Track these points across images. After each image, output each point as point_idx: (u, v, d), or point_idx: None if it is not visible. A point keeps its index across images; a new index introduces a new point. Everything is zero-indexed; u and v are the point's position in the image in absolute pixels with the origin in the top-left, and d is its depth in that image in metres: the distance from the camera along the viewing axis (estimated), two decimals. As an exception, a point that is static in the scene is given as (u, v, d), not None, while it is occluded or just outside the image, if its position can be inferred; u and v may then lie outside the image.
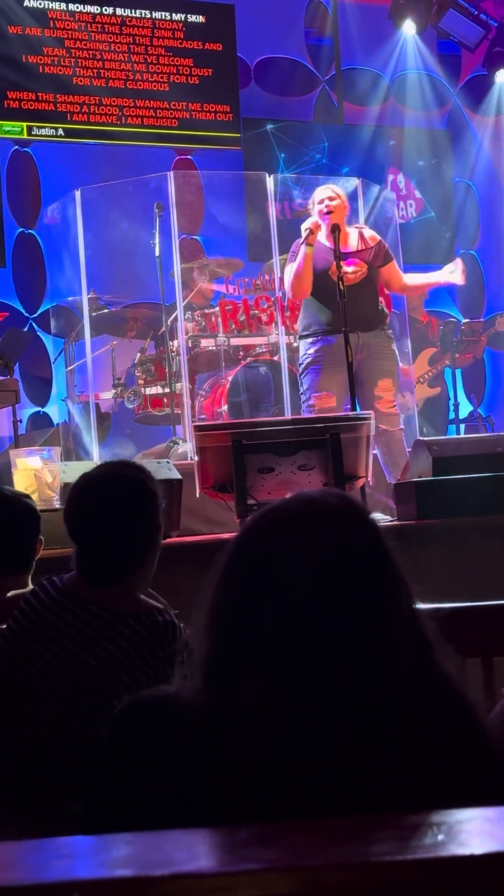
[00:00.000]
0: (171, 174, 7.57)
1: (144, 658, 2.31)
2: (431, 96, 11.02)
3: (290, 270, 6.04)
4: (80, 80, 9.15)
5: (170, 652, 2.31)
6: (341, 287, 5.69)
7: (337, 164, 10.17)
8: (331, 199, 6.03)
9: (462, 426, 9.68)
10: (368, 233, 6.34)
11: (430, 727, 1.26)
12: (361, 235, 6.24)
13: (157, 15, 9.54)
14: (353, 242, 6.15)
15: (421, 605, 1.37)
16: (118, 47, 9.33)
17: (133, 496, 2.49)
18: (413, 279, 6.59)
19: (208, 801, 1.23)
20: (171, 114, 9.50)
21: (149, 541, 2.52)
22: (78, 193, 7.67)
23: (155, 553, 2.55)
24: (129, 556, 2.48)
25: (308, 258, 5.89)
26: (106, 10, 9.31)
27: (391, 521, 5.00)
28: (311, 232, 5.90)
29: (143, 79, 9.42)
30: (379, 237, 6.35)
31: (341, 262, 5.82)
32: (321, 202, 6.04)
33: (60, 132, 9.05)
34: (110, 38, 9.29)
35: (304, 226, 6.01)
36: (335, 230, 5.81)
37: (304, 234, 5.95)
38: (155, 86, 9.46)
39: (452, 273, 6.40)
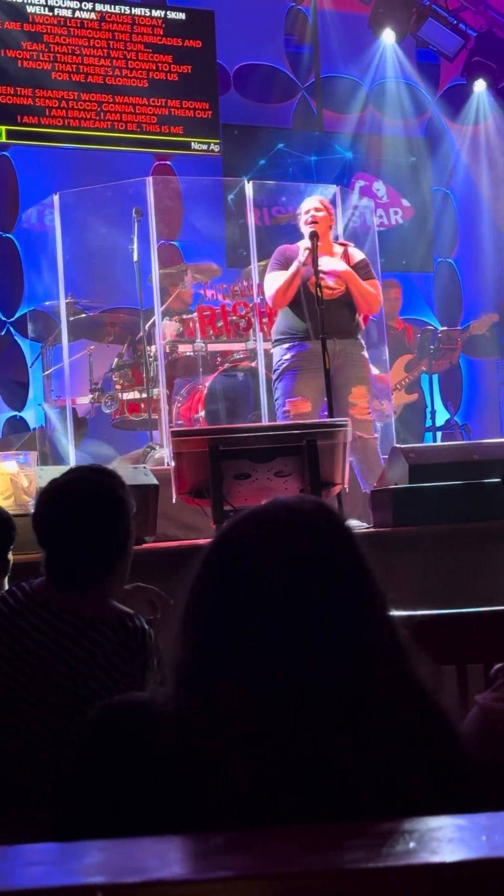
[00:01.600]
0: (149, 179, 7.56)
1: (115, 664, 2.30)
2: (410, 105, 11.06)
3: (274, 280, 6.03)
4: (59, 76, 9.14)
5: (140, 658, 2.30)
6: (319, 294, 5.71)
7: (315, 172, 10.18)
8: (317, 209, 6.05)
9: (439, 434, 9.70)
10: (353, 251, 6.38)
11: (404, 734, 1.26)
12: (346, 253, 6.27)
13: (136, 11, 9.54)
14: (334, 259, 6.16)
15: (395, 612, 1.37)
16: (97, 43, 9.32)
17: (102, 502, 2.47)
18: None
19: (181, 807, 1.23)
20: (150, 110, 9.50)
21: (119, 547, 2.50)
22: (56, 198, 7.65)
23: (126, 559, 2.52)
24: (98, 562, 2.46)
25: (298, 275, 5.89)
26: (85, 5, 9.31)
27: (368, 527, 5.00)
28: (310, 252, 5.88)
29: (122, 75, 9.42)
30: (363, 255, 6.38)
31: (324, 278, 5.87)
32: (307, 212, 6.05)
33: (39, 124, 9.02)
34: (89, 33, 9.29)
35: (304, 245, 5.98)
36: (314, 237, 5.84)
37: (302, 254, 5.92)
38: (134, 82, 9.46)
39: None
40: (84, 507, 2.46)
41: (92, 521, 2.45)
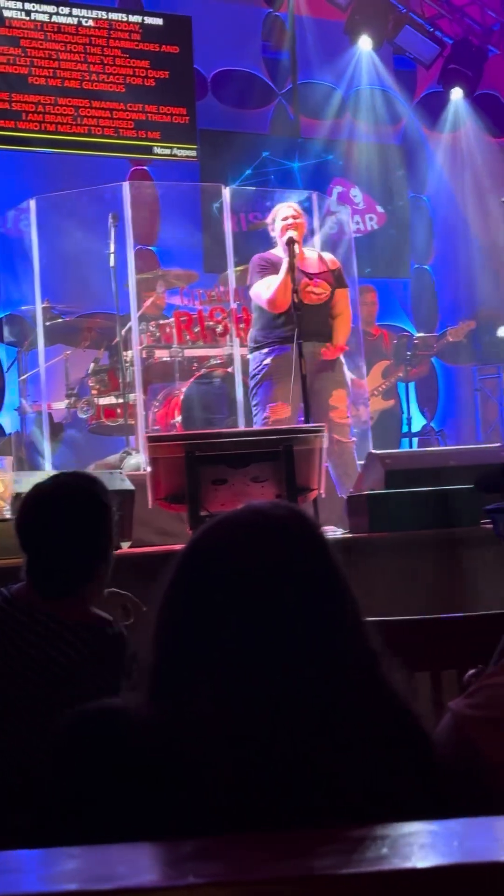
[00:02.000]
0: (126, 184, 7.55)
1: (91, 670, 2.30)
2: (387, 112, 11.10)
3: (269, 283, 6.01)
4: (36, 80, 9.13)
5: (118, 664, 2.30)
6: (296, 300, 5.73)
7: (292, 178, 10.20)
8: (294, 217, 6.07)
9: (415, 439, 9.73)
10: (328, 256, 6.44)
11: (376, 740, 1.26)
12: (321, 258, 6.30)
13: (113, 16, 9.54)
14: (313, 263, 6.20)
15: (369, 618, 1.37)
16: (74, 48, 9.32)
17: (86, 508, 2.48)
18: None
19: (155, 813, 1.23)
20: (127, 115, 9.50)
21: (101, 553, 2.50)
22: (33, 202, 7.64)
23: (107, 566, 2.53)
24: (80, 568, 2.46)
25: (290, 271, 5.87)
26: (62, 9, 9.31)
27: (343, 533, 5.00)
28: (294, 241, 5.90)
29: (99, 80, 9.42)
30: (338, 262, 6.42)
31: (309, 283, 5.93)
32: (284, 219, 6.06)
33: (16, 128, 9.01)
34: (66, 38, 9.28)
35: (284, 234, 6.00)
36: (290, 243, 5.86)
37: (285, 245, 5.93)
38: (111, 87, 9.46)
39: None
40: (68, 513, 2.47)
41: (75, 527, 2.45)
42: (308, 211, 7.45)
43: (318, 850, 1.00)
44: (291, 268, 5.83)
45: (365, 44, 10.61)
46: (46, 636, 2.34)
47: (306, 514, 1.39)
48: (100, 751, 1.29)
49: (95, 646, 2.32)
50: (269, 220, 6.29)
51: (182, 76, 9.78)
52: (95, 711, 1.36)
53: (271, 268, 6.06)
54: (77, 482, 2.58)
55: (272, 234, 6.18)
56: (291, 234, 5.94)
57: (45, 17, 9.21)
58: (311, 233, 7.48)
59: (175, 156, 9.72)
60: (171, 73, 9.69)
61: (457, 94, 11.11)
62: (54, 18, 9.25)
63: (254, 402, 6.21)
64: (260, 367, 6.12)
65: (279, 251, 6.09)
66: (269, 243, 6.41)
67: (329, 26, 10.68)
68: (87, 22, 9.38)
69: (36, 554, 2.47)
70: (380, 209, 11.06)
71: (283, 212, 6.14)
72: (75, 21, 9.33)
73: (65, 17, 9.31)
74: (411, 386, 9.76)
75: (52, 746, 1.36)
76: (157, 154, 9.70)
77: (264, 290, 6.05)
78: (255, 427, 6.13)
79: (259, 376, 6.14)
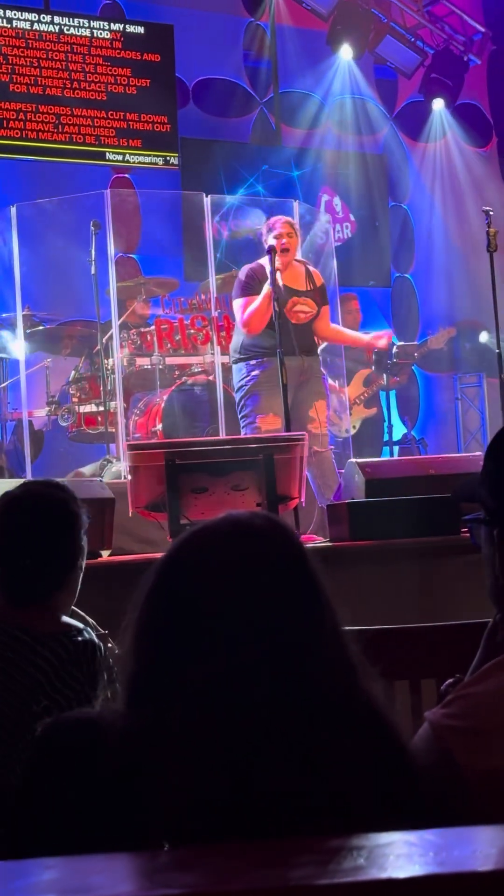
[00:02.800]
0: (107, 192, 7.55)
1: (65, 679, 2.27)
2: (368, 121, 11.13)
3: (246, 305, 6.03)
4: (17, 88, 9.13)
5: (90, 672, 2.28)
6: (277, 308, 5.75)
7: (274, 187, 10.21)
8: (289, 234, 6.08)
9: (396, 448, 9.74)
10: (314, 270, 6.48)
11: (354, 750, 1.26)
12: (308, 273, 6.32)
13: (95, 24, 9.56)
14: (301, 280, 6.22)
15: (348, 627, 1.37)
16: (56, 56, 9.32)
17: (55, 517, 2.46)
18: (339, 333, 6.74)
19: (131, 825, 1.22)
20: (109, 123, 9.50)
21: (70, 562, 2.48)
22: (13, 210, 7.63)
23: (77, 574, 2.51)
24: (50, 576, 2.44)
25: (269, 297, 5.87)
26: (44, 17, 9.31)
27: (324, 542, 5.01)
28: (284, 265, 5.95)
29: (81, 87, 9.42)
30: (321, 278, 6.46)
31: (298, 301, 6.04)
32: (279, 237, 6.03)
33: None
34: (48, 45, 9.29)
35: (270, 244, 6.02)
36: (272, 251, 5.86)
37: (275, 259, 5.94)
38: (92, 95, 9.47)
39: (379, 339, 6.64)
40: (36, 521, 2.45)
41: (44, 536, 2.43)
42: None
43: (295, 860, 0.99)
44: (270, 285, 5.83)
45: (346, 53, 10.65)
46: (18, 650, 2.31)
47: (285, 523, 1.39)
48: (75, 761, 1.28)
49: (67, 656, 2.30)
50: (263, 229, 6.27)
51: (163, 84, 9.79)
52: (70, 721, 1.36)
53: (256, 285, 6.05)
54: (46, 490, 2.55)
55: (265, 244, 6.15)
56: (282, 252, 5.95)
57: (26, 25, 9.21)
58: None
59: (156, 164, 9.73)
60: (152, 81, 9.70)
61: (438, 104, 11.15)
62: (36, 26, 9.25)
63: (242, 413, 6.19)
64: (248, 378, 6.12)
65: (264, 260, 6.08)
66: (251, 251, 6.42)
67: (310, 36, 10.72)
68: (68, 30, 9.39)
69: (4, 563, 2.44)
70: (352, 217, 11.08)
71: (277, 228, 6.11)
72: (57, 29, 9.34)
73: (46, 24, 9.31)
74: (392, 394, 9.78)
75: (28, 757, 1.36)
76: (139, 163, 9.70)
77: (241, 312, 6.08)
78: (237, 436, 6.14)
79: (247, 387, 6.13)
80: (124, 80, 9.61)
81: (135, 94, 9.64)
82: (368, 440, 9.06)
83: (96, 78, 9.50)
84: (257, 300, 5.95)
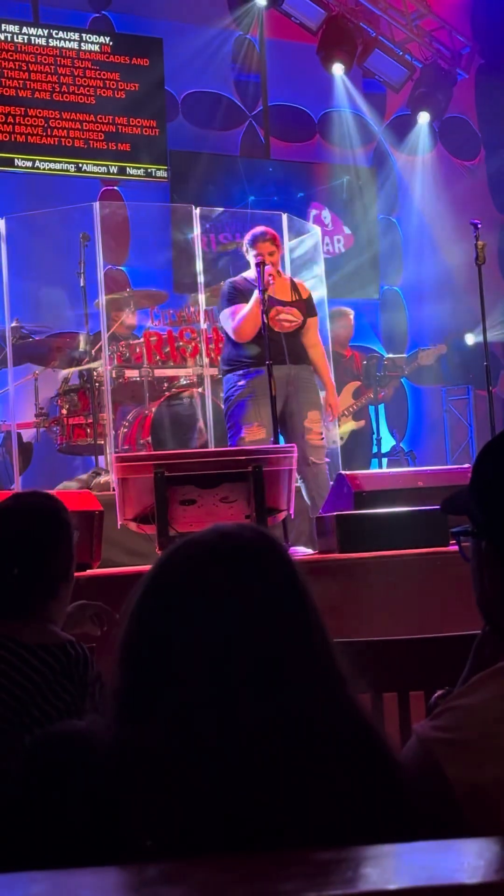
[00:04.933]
0: (96, 204, 7.56)
1: (57, 692, 2.27)
2: (357, 134, 11.17)
3: (236, 313, 6.02)
4: (6, 92, 9.15)
5: (81, 685, 2.28)
6: (265, 320, 5.75)
7: (263, 200, 10.24)
8: (270, 252, 6.07)
9: (385, 460, 9.75)
10: (300, 282, 6.49)
11: (342, 762, 1.26)
12: (293, 285, 6.34)
13: (85, 37, 9.60)
14: (286, 291, 6.23)
15: (337, 639, 1.37)
16: (44, 59, 9.34)
17: (45, 528, 2.46)
18: (322, 362, 6.42)
19: (119, 837, 1.22)
20: (97, 127, 9.52)
21: (61, 573, 2.48)
22: (2, 222, 7.62)
23: (68, 585, 2.50)
24: (40, 588, 2.44)
25: (259, 304, 5.87)
26: (34, 29, 9.34)
27: (312, 554, 5.00)
28: (264, 265, 5.93)
29: (70, 91, 9.44)
30: (307, 289, 6.46)
31: (281, 310, 6.00)
32: (259, 254, 6.01)
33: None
34: (36, 49, 9.31)
35: (253, 261, 6.01)
36: (261, 265, 5.87)
37: (263, 275, 5.93)
38: (81, 99, 9.49)
39: (334, 413, 6.51)
40: (28, 532, 2.45)
41: (36, 547, 2.43)
42: (278, 232, 7.48)
43: (284, 873, 0.99)
44: (260, 292, 5.84)
45: (335, 67, 10.68)
46: (8, 661, 2.31)
47: (273, 535, 1.39)
48: (63, 774, 1.28)
49: (59, 668, 2.29)
50: (245, 241, 6.27)
51: (152, 88, 9.82)
52: (60, 733, 1.35)
53: (240, 296, 6.07)
54: (37, 500, 2.56)
55: (247, 256, 6.17)
56: (262, 261, 5.94)
57: (15, 28, 9.26)
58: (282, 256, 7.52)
59: (146, 176, 9.74)
60: (140, 85, 9.74)
61: (426, 117, 11.19)
62: (25, 29, 9.31)
63: (228, 424, 6.20)
64: (234, 389, 6.12)
65: (251, 273, 6.09)
66: (237, 263, 6.42)
67: (299, 49, 10.76)
68: (57, 34, 9.43)
69: None
70: (347, 231, 11.11)
71: (262, 246, 6.08)
72: (45, 32, 9.38)
73: (36, 37, 9.34)
74: (381, 407, 9.79)
75: (16, 770, 1.35)
76: (128, 175, 9.72)
77: (230, 320, 6.08)
78: (226, 448, 6.13)
79: (233, 398, 6.13)
80: (113, 84, 9.64)
81: (123, 98, 9.67)
82: (357, 452, 9.06)
83: (85, 82, 9.53)
84: (247, 306, 5.97)
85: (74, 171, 9.44)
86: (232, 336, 6.11)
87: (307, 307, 6.27)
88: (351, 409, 9.10)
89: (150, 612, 1.32)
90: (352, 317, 9.29)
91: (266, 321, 5.76)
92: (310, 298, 6.37)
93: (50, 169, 9.33)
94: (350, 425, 9.06)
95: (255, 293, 5.92)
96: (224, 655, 1.25)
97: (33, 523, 2.46)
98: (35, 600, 2.42)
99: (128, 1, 10.10)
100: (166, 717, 1.24)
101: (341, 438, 8.61)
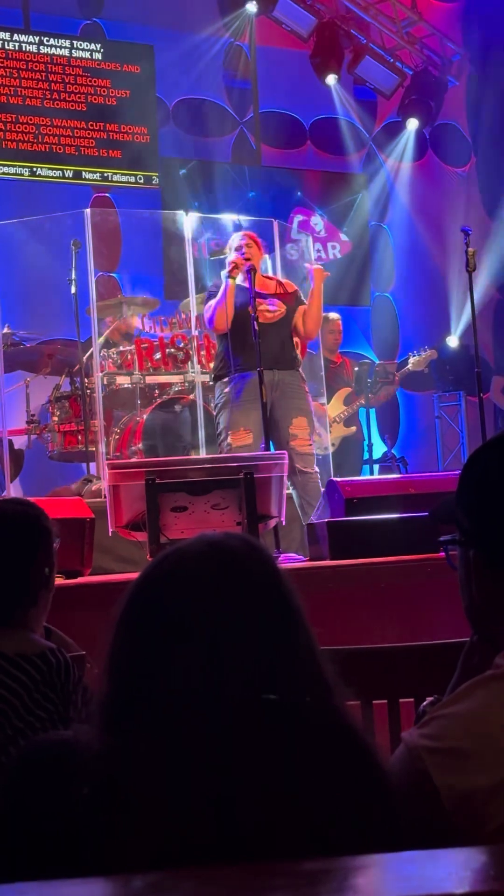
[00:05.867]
0: (88, 211, 7.56)
1: (39, 701, 2.23)
2: (348, 141, 11.18)
3: (212, 304, 6.09)
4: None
5: (64, 693, 2.25)
6: (256, 327, 5.75)
7: (254, 206, 10.25)
8: (248, 245, 6.11)
9: (376, 466, 9.75)
10: (286, 280, 6.47)
11: (330, 771, 1.26)
12: (279, 282, 6.36)
13: (76, 44, 9.62)
14: (270, 287, 6.26)
15: (325, 647, 1.37)
16: (35, 66, 9.35)
17: (23, 534, 2.43)
18: (310, 313, 6.27)
19: (105, 847, 1.21)
20: (89, 133, 9.53)
21: (41, 581, 2.44)
22: (-7, 229, 7.63)
23: (48, 592, 2.46)
24: (20, 595, 2.40)
25: (231, 290, 5.94)
26: (24, 36, 9.36)
27: (303, 561, 5.00)
28: (235, 266, 5.98)
29: (61, 98, 9.45)
30: (295, 285, 6.45)
31: (263, 302, 5.96)
32: (238, 248, 6.11)
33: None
34: (28, 56, 9.32)
35: (229, 259, 6.10)
36: (251, 271, 5.89)
37: (227, 267, 6.03)
38: (72, 105, 9.50)
39: (316, 267, 6.41)
40: (4, 540, 2.42)
41: (12, 555, 2.40)
42: (269, 238, 7.49)
43: (271, 884, 0.99)
44: (251, 299, 5.86)
45: (326, 74, 10.70)
46: None
47: (259, 544, 1.39)
48: (51, 784, 1.27)
49: (40, 677, 2.26)
50: (226, 249, 6.35)
51: (143, 95, 9.83)
52: (45, 744, 1.35)
53: (218, 292, 6.12)
54: (15, 507, 2.53)
55: (227, 261, 6.22)
56: (244, 268, 5.97)
57: (6, 35, 9.28)
58: (272, 260, 7.53)
59: (137, 183, 9.75)
60: (131, 91, 9.75)
61: (417, 124, 11.21)
62: (16, 36, 9.32)
63: (217, 431, 6.21)
64: (221, 395, 6.13)
65: (239, 278, 6.11)
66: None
67: (290, 56, 10.77)
68: (48, 41, 9.44)
69: None
70: (343, 237, 11.13)
71: (236, 241, 6.22)
72: (36, 39, 9.39)
73: (27, 44, 9.35)
74: (372, 413, 9.78)
75: (2, 781, 1.35)
76: (120, 182, 9.73)
77: (206, 310, 6.12)
78: (218, 454, 6.12)
79: (220, 404, 6.14)
80: (104, 91, 9.66)
81: (115, 104, 9.69)
82: (348, 459, 9.06)
83: (76, 89, 9.54)
84: (217, 294, 6.00)
85: (66, 178, 9.44)
86: (209, 327, 6.18)
87: (294, 299, 6.25)
88: (342, 416, 9.10)
89: (136, 621, 1.31)
90: (339, 322, 9.28)
91: (256, 328, 5.75)
92: (297, 293, 6.34)
93: (42, 176, 9.33)
94: (341, 431, 9.06)
95: (226, 281, 5.96)
96: (211, 664, 1.25)
97: (10, 530, 2.43)
98: (14, 609, 2.39)
99: (119, 8, 10.10)
100: (153, 726, 1.24)
101: (333, 445, 8.61)
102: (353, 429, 9.27)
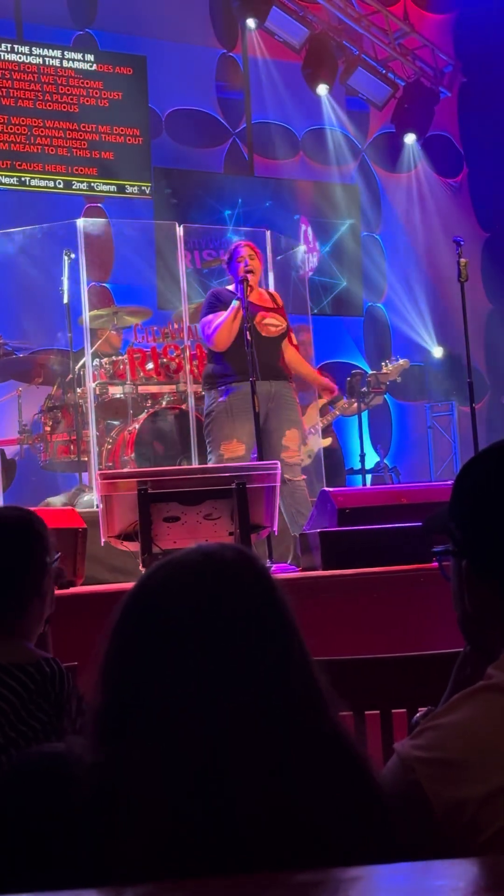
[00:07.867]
0: (80, 221, 7.56)
1: (31, 711, 2.21)
2: (341, 151, 11.21)
3: (215, 319, 6.05)
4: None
5: (57, 703, 2.22)
6: (248, 337, 5.75)
7: (247, 216, 10.27)
8: (251, 256, 6.11)
9: (368, 476, 9.75)
10: (273, 291, 6.51)
11: (322, 781, 1.26)
12: (272, 295, 6.38)
13: (68, 55, 9.64)
14: (266, 299, 6.28)
15: (318, 657, 1.37)
16: (27, 68, 9.36)
17: (14, 540, 2.40)
18: (300, 363, 6.51)
19: (98, 859, 1.21)
20: (81, 136, 9.54)
21: (35, 588, 2.40)
22: (-15, 238, 7.63)
23: (43, 600, 2.42)
24: (12, 604, 2.37)
25: (238, 311, 5.91)
26: (17, 47, 9.38)
27: (295, 571, 5.00)
28: (250, 285, 5.96)
29: (53, 100, 9.46)
30: (281, 299, 6.49)
31: (266, 315, 6.02)
32: (240, 259, 6.08)
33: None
34: (20, 57, 9.33)
35: (238, 270, 6.06)
36: (244, 282, 5.90)
37: (237, 280, 5.99)
38: (64, 107, 9.51)
39: (331, 388, 6.71)
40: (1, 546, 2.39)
41: (8, 561, 2.38)
42: (262, 249, 7.50)
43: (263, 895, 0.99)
44: (243, 309, 5.86)
45: (319, 85, 10.73)
46: None
47: (254, 555, 1.39)
48: (43, 796, 1.27)
49: (34, 687, 2.24)
50: (225, 257, 6.33)
51: (135, 97, 9.84)
52: (38, 756, 1.34)
53: (221, 306, 6.09)
54: (8, 514, 2.51)
55: (228, 271, 6.22)
56: (247, 273, 5.96)
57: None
58: (265, 271, 7.54)
59: (130, 193, 9.76)
60: (124, 94, 9.76)
61: (409, 135, 11.25)
62: (7, 39, 9.34)
63: (208, 440, 6.20)
64: (213, 405, 6.12)
65: (233, 287, 6.12)
66: (223, 280, 6.44)
67: (283, 67, 10.80)
68: (40, 51, 9.46)
69: None
70: (319, 247, 11.14)
71: (240, 251, 6.18)
72: (28, 50, 9.41)
73: (17, 45, 9.38)
74: (365, 423, 9.78)
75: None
76: (112, 192, 9.74)
77: (208, 328, 6.10)
78: (209, 465, 6.12)
79: (212, 414, 6.13)
80: (96, 93, 9.67)
81: (107, 106, 9.70)
82: (329, 470, 9.03)
83: (68, 90, 9.56)
84: (225, 314, 5.98)
85: (59, 188, 9.45)
86: (208, 344, 6.15)
87: (283, 315, 6.31)
88: (316, 427, 9.07)
89: (130, 632, 1.31)
90: (309, 334, 9.27)
91: (249, 338, 5.76)
92: (283, 307, 6.40)
93: (34, 186, 9.34)
94: (317, 443, 9.02)
95: (234, 302, 5.95)
96: (204, 674, 1.25)
97: (6, 537, 2.40)
98: (8, 617, 2.36)
99: (112, 19, 10.12)
100: (148, 736, 1.24)
101: (308, 456, 8.59)
102: (329, 440, 9.22)
